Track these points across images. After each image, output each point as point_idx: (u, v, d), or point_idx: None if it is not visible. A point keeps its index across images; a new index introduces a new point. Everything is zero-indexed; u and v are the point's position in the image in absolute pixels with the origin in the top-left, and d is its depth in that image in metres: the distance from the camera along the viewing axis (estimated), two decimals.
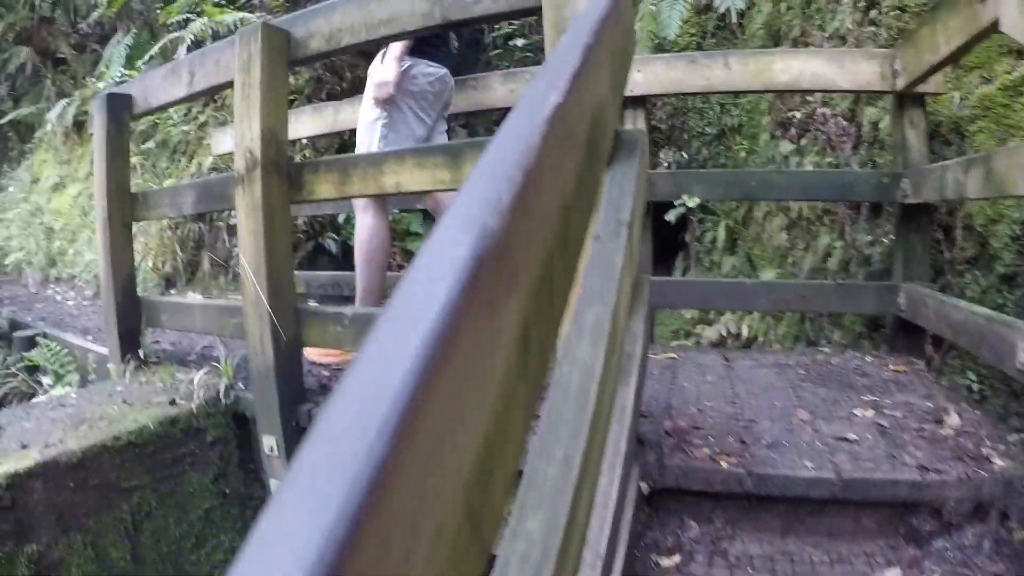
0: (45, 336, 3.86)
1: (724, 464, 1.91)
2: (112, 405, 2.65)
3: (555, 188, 0.76)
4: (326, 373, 2.85)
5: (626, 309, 1.38)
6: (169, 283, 4.72)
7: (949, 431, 2.02)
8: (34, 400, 2.87)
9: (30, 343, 3.83)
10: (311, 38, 2.26)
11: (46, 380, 3.70)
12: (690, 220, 6.06)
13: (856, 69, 2.77)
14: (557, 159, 0.79)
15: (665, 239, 4.42)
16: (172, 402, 2.63)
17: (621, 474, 1.36)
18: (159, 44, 5.21)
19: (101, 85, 5.13)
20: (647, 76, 3.05)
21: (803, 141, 3.75)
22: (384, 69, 2.92)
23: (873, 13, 3.14)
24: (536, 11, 1.78)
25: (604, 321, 1.16)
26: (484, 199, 0.50)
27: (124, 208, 3.00)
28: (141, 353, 3.06)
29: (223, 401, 2.65)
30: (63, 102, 5.90)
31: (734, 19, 4.09)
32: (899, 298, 2.75)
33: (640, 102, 3.09)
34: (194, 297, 4.40)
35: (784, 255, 4.10)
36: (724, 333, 4.29)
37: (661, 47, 4.71)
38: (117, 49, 5.88)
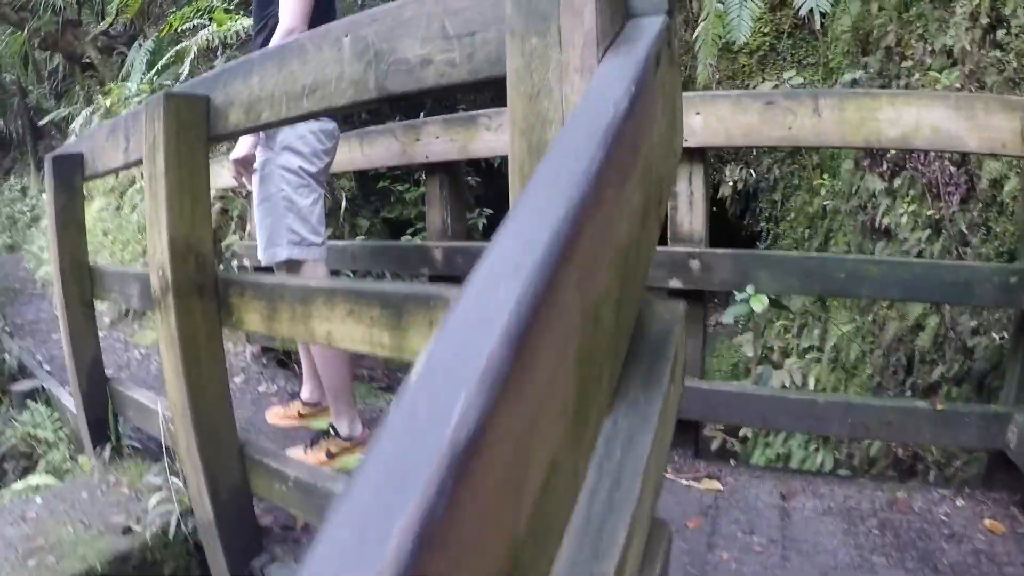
0: (43, 391, 3.62)
1: None
2: (70, 524, 2.35)
3: None
4: None
5: None
6: None
7: None
8: None
9: (26, 397, 3.60)
10: (231, 106, 1.66)
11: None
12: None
13: (988, 124, 2.05)
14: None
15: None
16: (127, 530, 2.28)
17: None
18: (170, 53, 4.82)
19: (107, 102, 4.79)
20: (707, 120, 2.36)
21: (896, 181, 3.05)
22: (240, 142, 2.41)
23: (1000, 34, 2.41)
24: (502, 81, 1.16)
25: None
26: None
27: (83, 286, 2.63)
28: (111, 443, 2.73)
29: (182, 529, 2.29)
30: (87, 110, 5.62)
31: (817, 25, 3.36)
32: (1008, 432, 2.10)
33: (698, 155, 2.44)
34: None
35: (864, 310, 3.46)
36: (787, 383, 3.86)
37: (728, 50, 4.01)
38: (139, 55, 5.54)
